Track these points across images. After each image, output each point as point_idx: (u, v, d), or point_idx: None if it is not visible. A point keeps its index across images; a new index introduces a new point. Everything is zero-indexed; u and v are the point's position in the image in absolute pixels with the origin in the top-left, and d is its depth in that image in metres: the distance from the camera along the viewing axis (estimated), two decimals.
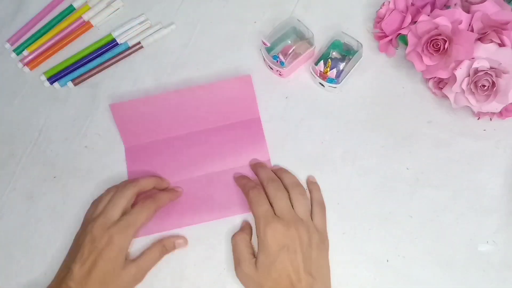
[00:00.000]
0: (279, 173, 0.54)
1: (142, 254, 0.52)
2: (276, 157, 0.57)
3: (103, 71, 0.64)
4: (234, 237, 0.52)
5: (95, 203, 0.53)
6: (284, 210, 0.50)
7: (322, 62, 0.57)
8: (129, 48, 0.64)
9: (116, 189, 0.53)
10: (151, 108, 0.58)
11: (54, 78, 0.64)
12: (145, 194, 0.55)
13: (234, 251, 0.51)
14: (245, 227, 0.53)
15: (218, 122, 0.58)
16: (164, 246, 0.53)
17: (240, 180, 0.55)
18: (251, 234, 0.53)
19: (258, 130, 0.58)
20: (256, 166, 0.56)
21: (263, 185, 0.53)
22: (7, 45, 0.66)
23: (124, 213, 0.51)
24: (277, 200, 0.50)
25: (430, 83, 0.56)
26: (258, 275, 0.48)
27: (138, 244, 0.54)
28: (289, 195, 0.52)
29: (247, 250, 0.50)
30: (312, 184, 0.55)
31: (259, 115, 0.58)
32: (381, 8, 0.57)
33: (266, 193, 0.52)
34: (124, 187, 0.52)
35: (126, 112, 0.58)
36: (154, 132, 0.58)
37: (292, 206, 0.51)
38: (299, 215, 0.50)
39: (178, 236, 0.54)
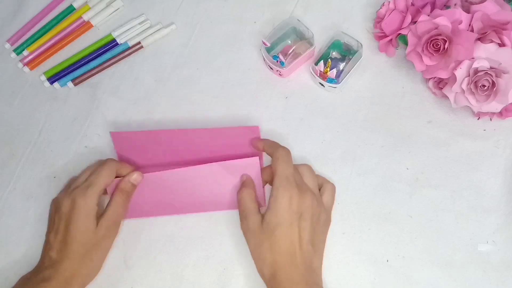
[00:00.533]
0: None
1: (106, 206, 0.52)
2: None
3: (103, 71, 0.64)
4: (240, 192, 0.52)
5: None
6: (304, 178, 0.50)
7: (322, 62, 0.57)
8: (129, 48, 0.64)
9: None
10: (152, 143, 0.57)
11: (54, 78, 0.64)
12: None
13: (240, 206, 0.51)
14: (249, 183, 0.53)
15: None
16: (122, 190, 0.53)
17: (264, 140, 0.55)
18: (255, 190, 0.53)
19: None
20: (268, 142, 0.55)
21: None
22: (7, 45, 0.66)
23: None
24: (297, 168, 0.51)
25: (430, 83, 0.56)
26: (261, 232, 0.48)
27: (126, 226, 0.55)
28: None
29: (253, 205, 0.50)
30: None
31: (262, 163, 0.56)
32: (381, 8, 0.57)
33: None
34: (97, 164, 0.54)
35: (125, 142, 0.57)
36: (152, 169, 0.56)
37: None
38: (311, 187, 0.50)
39: (130, 174, 0.54)
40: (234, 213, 0.53)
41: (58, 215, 0.51)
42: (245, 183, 0.53)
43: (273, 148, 0.52)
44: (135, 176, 0.54)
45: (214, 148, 0.56)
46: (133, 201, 0.54)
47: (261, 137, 0.55)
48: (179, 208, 0.55)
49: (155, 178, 0.55)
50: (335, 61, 0.57)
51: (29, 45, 0.65)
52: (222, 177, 0.54)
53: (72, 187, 0.52)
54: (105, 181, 0.52)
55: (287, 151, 0.51)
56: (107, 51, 0.64)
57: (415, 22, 0.53)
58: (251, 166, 0.53)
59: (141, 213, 0.56)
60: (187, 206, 0.55)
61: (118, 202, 0.52)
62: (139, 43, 0.64)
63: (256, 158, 0.53)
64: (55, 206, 0.52)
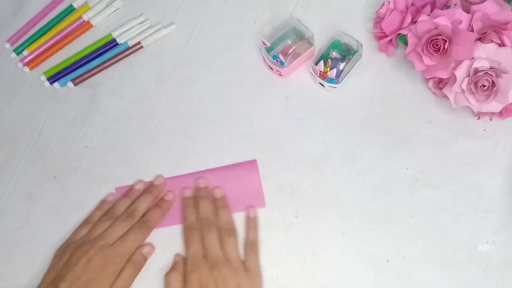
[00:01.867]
0: (217, 207, 0.55)
1: (116, 279, 0.50)
2: (276, 158, 0.57)
3: (103, 71, 0.64)
4: (167, 275, 0.52)
5: (86, 225, 0.54)
6: (212, 251, 0.51)
7: (322, 62, 0.57)
8: (129, 48, 0.64)
9: (114, 216, 0.54)
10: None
11: (54, 78, 0.64)
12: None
13: None
14: (179, 265, 0.52)
15: None
16: (134, 262, 0.52)
17: (185, 208, 0.55)
18: (185, 272, 0.52)
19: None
20: (198, 196, 0.55)
21: (199, 222, 0.53)
22: (7, 45, 0.66)
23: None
24: (206, 242, 0.51)
25: (430, 83, 0.56)
26: None
27: None
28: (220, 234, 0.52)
29: None
30: (250, 219, 0.54)
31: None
32: (381, 8, 0.57)
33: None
34: (125, 220, 0.53)
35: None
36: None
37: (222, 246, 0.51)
38: (228, 256, 0.50)
39: (142, 247, 0.53)
40: (235, 214, 0.54)
41: (85, 268, 0.49)
42: (175, 265, 0.53)
43: (183, 225, 0.54)
44: (147, 249, 0.53)
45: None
46: None
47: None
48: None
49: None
50: (335, 61, 0.57)
51: (29, 45, 0.65)
52: (223, 183, 0.56)
53: (103, 240, 0.51)
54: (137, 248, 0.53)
55: (190, 230, 0.52)
56: (107, 51, 0.64)
57: (415, 22, 0.53)
58: (250, 169, 0.55)
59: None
60: None
61: (128, 275, 0.51)
62: (139, 43, 0.64)
63: (255, 161, 0.55)
64: (87, 259, 0.49)
